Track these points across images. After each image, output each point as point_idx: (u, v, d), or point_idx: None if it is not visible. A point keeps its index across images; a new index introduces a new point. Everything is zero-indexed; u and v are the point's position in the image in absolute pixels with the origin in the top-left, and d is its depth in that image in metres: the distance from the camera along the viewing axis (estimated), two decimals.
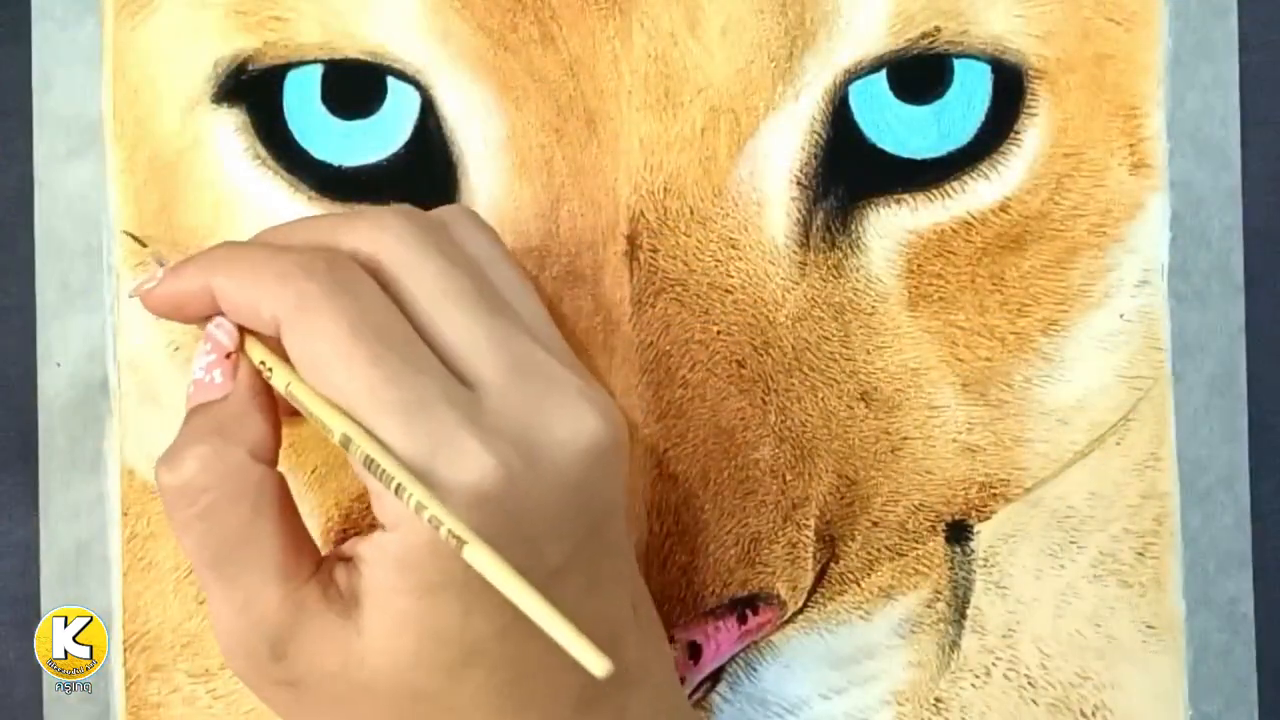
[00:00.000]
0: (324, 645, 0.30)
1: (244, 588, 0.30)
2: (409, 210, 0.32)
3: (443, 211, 0.33)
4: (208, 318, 0.32)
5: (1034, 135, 0.39)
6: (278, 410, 0.32)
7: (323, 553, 0.31)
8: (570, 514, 0.30)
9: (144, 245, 0.36)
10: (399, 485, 0.28)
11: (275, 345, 0.31)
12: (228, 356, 0.31)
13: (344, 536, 0.38)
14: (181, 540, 0.30)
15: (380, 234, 0.31)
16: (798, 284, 0.38)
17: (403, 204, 0.33)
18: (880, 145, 0.38)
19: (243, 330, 0.31)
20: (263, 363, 0.31)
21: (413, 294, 0.30)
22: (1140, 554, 0.39)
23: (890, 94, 0.38)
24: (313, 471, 0.39)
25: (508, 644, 0.30)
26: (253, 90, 0.38)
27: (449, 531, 0.27)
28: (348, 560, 0.30)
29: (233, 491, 0.30)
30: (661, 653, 0.34)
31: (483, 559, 0.27)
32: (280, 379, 0.30)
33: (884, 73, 0.38)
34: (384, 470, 0.28)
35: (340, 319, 0.29)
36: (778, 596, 0.38)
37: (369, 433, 0.28)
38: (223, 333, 0.31)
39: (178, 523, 0.30)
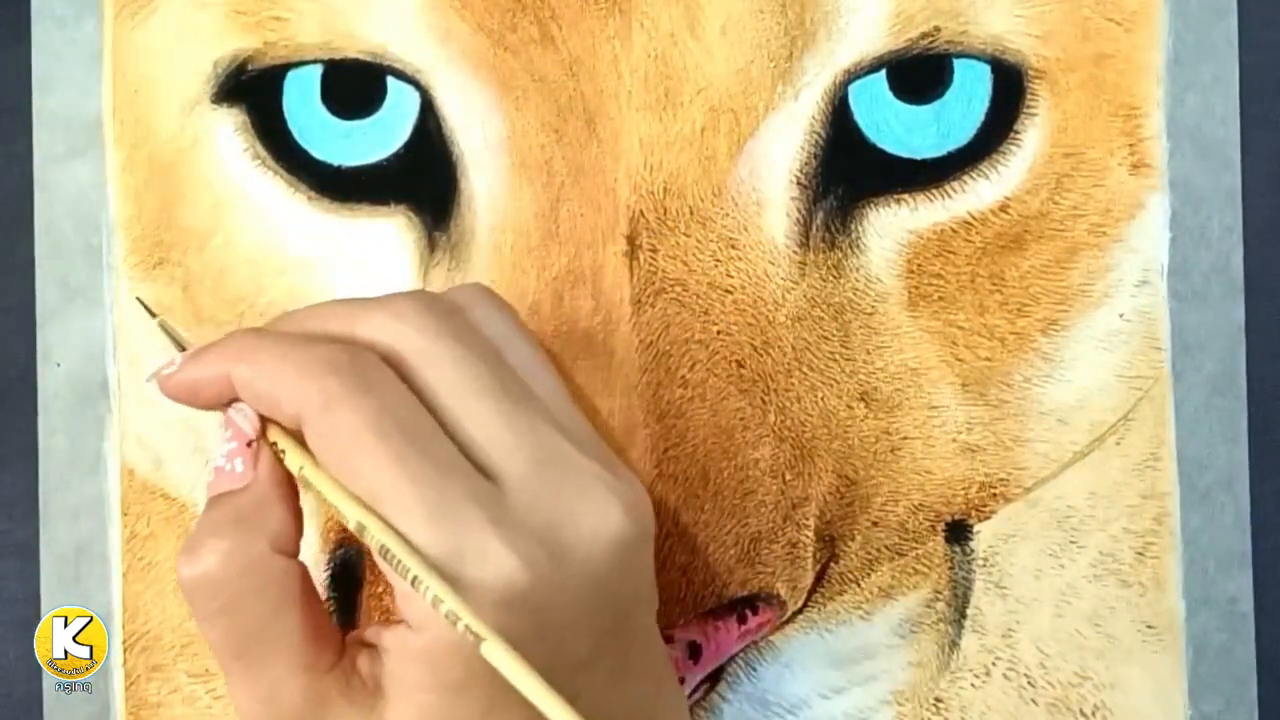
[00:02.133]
0: None
1: (267, 680, 0.30)
2: (426, 297, 0.32)
3: (458, 293, 0.33)
4: (227, 403, 0.31)
5: (1034, 135, 0.39)
6: (298, 499, 0.31)
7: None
8: (596, 607, 0.30)
9: (153, 315, 0.36)
10: (415, 578, 0.28)
11: (295, 430, 0.30)
12: (249, 445, 0.31)
13: (342, 538, 0.38)
14: (204, 631, 0.30)
15: (398, 324, 0.31)
16: (797, 284, 0.38)
17: (416, 289, 0.32)
18: (880, 145, 0.38)
19: (262, 416, 0.31)
20: (275, 444, 0.31)
21: (433, 386, 0.30)
22: (1140, 554, 0.39)
23: (890, 94, 0.38)
24: None
25: None
26: (252, 90, 0.38)
27: (466, 627, 0.27)
28: (371, 647, 0.30)
29: (255, 585, 0.29)
30: None
31: (500, 657, 0.27)
32: (294, 461, 0.30)
33: (884, 73, 0.38)
34: (400, 562, 0.28)
35: (364, 416, 0.29)
36: (778, 596, 0.38)
37: (389, 525, 0.28)
38: (243, 419, 0.31)
39: (199, 615, 0.30)
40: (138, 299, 0.38)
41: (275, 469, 0.31)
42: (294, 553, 0.31)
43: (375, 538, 0.28)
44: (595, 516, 0.30)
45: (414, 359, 0.30)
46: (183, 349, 0.33)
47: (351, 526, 0.29)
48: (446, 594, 0.27)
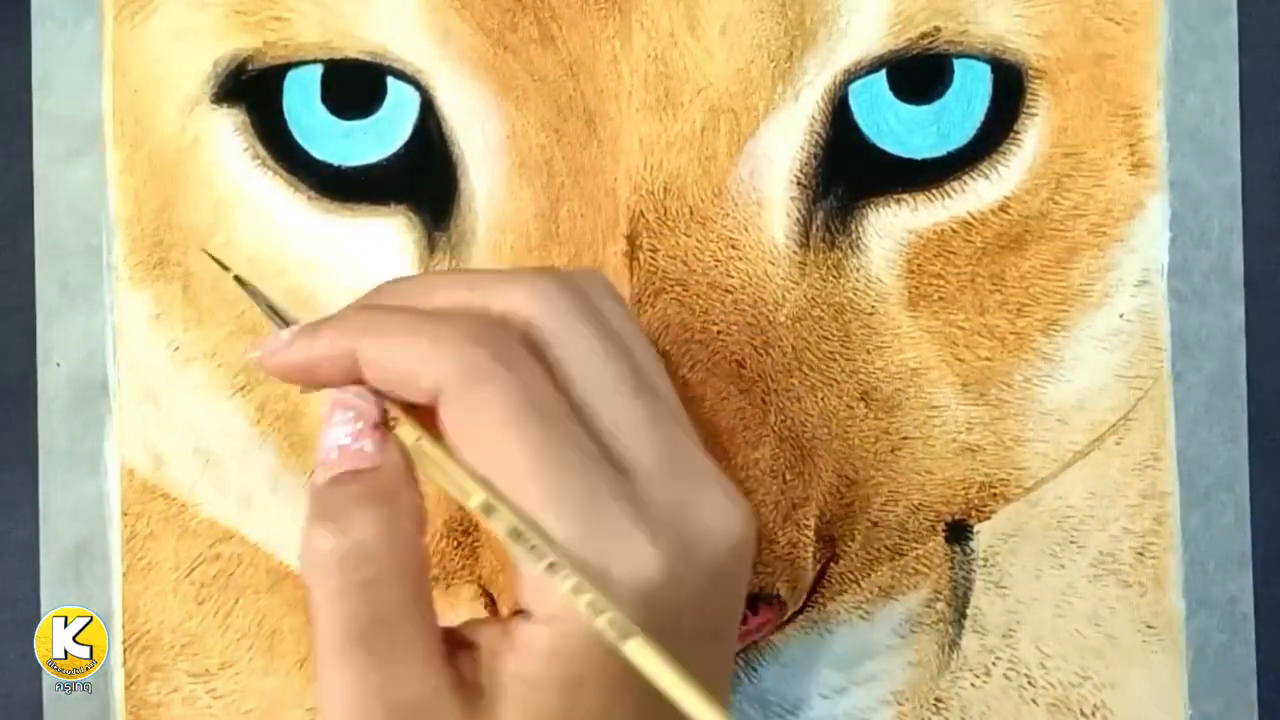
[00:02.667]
0: None
1: (387, 668, 0.28)
2: (562, 276, 0.31)
3: (579, 278, 0.32)
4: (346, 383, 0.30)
5: (1034, 135, 0.39)
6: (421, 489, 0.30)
7: None
8: (711, 608, 0.30)
9: (226, 268, 0.34)
10: (553, 564, 0.27)
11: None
12: (375, 426, 0.29)
13: None
14: (327, 610, 0.28)
15: (536, 300, 0.29)
16: (798, 284, 0.38)
17: (546, 267, 0.31)
18: (880, 145, 0.38)
19: (381, 397, 0.29)
20: (386, 413, 0.29)
21: (569, 370, 0.29)
22: (1140, 554, 0.39)
23: (890, 94, 0.38)
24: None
25: None
26: (252, 90, 0.38)
27: (609, 621, 0.26)
28: (470, 646, 0.29)
29: (398, 565, 0.28)
30: None
31: (645, 653, 0.26)
32: (409, 433, 0.29)
33: (884, 73, 0.38)
34: (537, 549, 0.27)
35: (509, 393, 0.28)
36: (778, 596, 0.38)
37: (520, 513, 0.27)
38: (366, 403, 0.29)
39: (329, 590, 0.28)
40: (205, 251, 0.37)
41: (404, 454, 0.29)
42: (424, 539, 0.29)
43: (508, 522, 0.27)
44: (719, 517, 0.29)
45: (550, 338, 0.29)
46: (270, 307, 0.32)
47: (472, 507, 0.28)
48: (588, 586, 0.26)
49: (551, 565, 0.27)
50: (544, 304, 0.29)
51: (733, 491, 0.30)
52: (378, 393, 0.29)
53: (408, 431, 0.29)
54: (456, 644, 0.29)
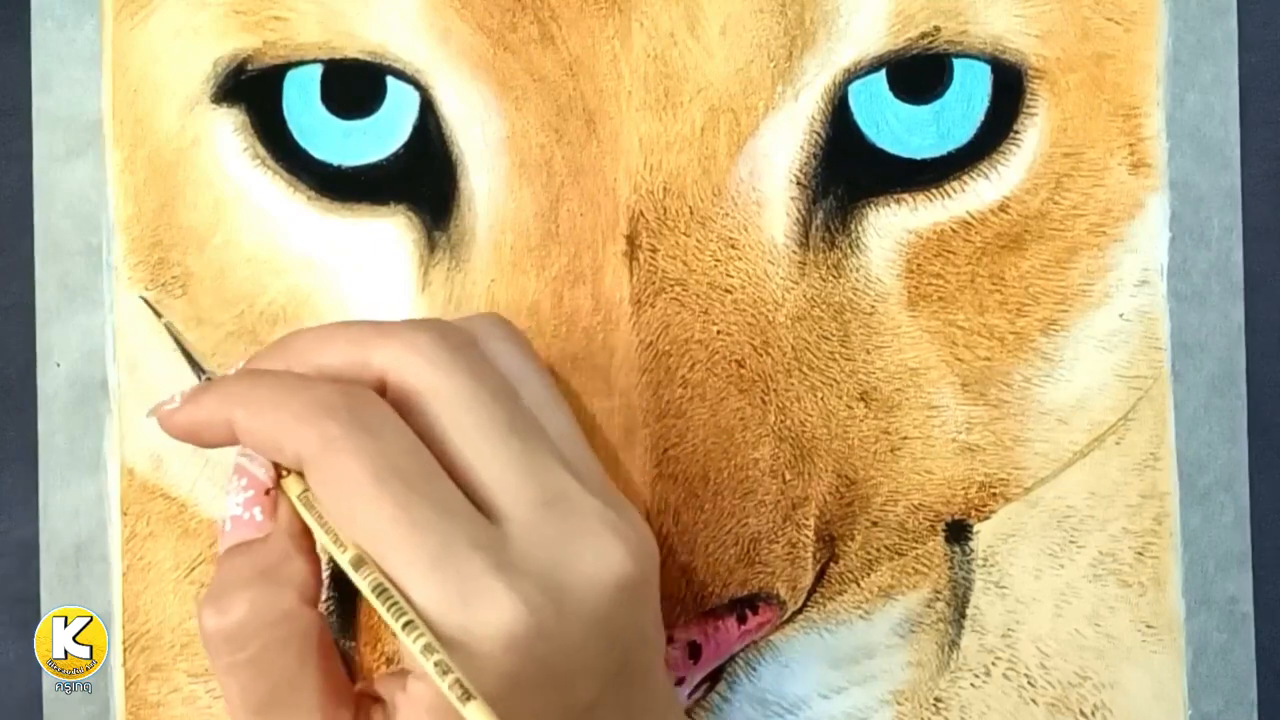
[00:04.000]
0: None
1: None
2: (441, 328, 0.31)
3: (473, 323, 0.33)
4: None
5: (1033, 135, 0.39)
6: (316, 550, 0.31)
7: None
8: (600, 649, 0.30)
9: (159, 315, 0.36)
10: (408, 623, 0.27)
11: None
12: (266, 493, 0.30)
13: None
14: (225, 684, 0.29)
15: (412, 356, 0.30)
16: (797, 284, 0.38)
17: (432, 318, 0.32)
18: (880, 145, 0.38)
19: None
20: (276, 465, 0.30)
21: (442, 423, 0.30)
22: (1140, 553, 0.39)
23: (890, 94, 0.38)
24: None
25: None
26: (252, 90, 0.38)
27: (454, 681, 0.27)
28: (380, 701, 0.30)
29: (282, 637, 0.29)
30: None
31: (481, 717, 0.26)
32: (294, 487, 0.30)
33: (883, 72, 0.38)
34: (396, 608, 0.27)
35: (363, 461, 0.28)
36: (777, 596, 0.38)
37: (383, 573, 0.28)
38: (258, 467, 0.31)
39: (221, 667, 0.29)
40: (142, 298, 0.38)
41: (294, 518, 0.30)
42: (316, 604, 0.30)
43: (371, 580, 0.28)
44: (598, 558, 0.30)
45: (426, 394, 0.30)
46: (189, 356, 0.33)
47: (346, 567, 0.28)
48: (438, 647, 0.27)
49: (407, 624, 0.27)
50: (418, 357, 0.30)
51: (623, 527, 0.30)
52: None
53: (293, 485, 0.30)
54: (372, 699, 0.30)
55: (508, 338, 0.33)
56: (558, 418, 0.32)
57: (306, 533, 0.30)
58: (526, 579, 0.28)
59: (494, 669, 0.27)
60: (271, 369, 0.31)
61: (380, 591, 0.28)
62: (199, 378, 0.32)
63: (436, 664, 0.27)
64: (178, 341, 0.34)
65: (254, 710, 0.29)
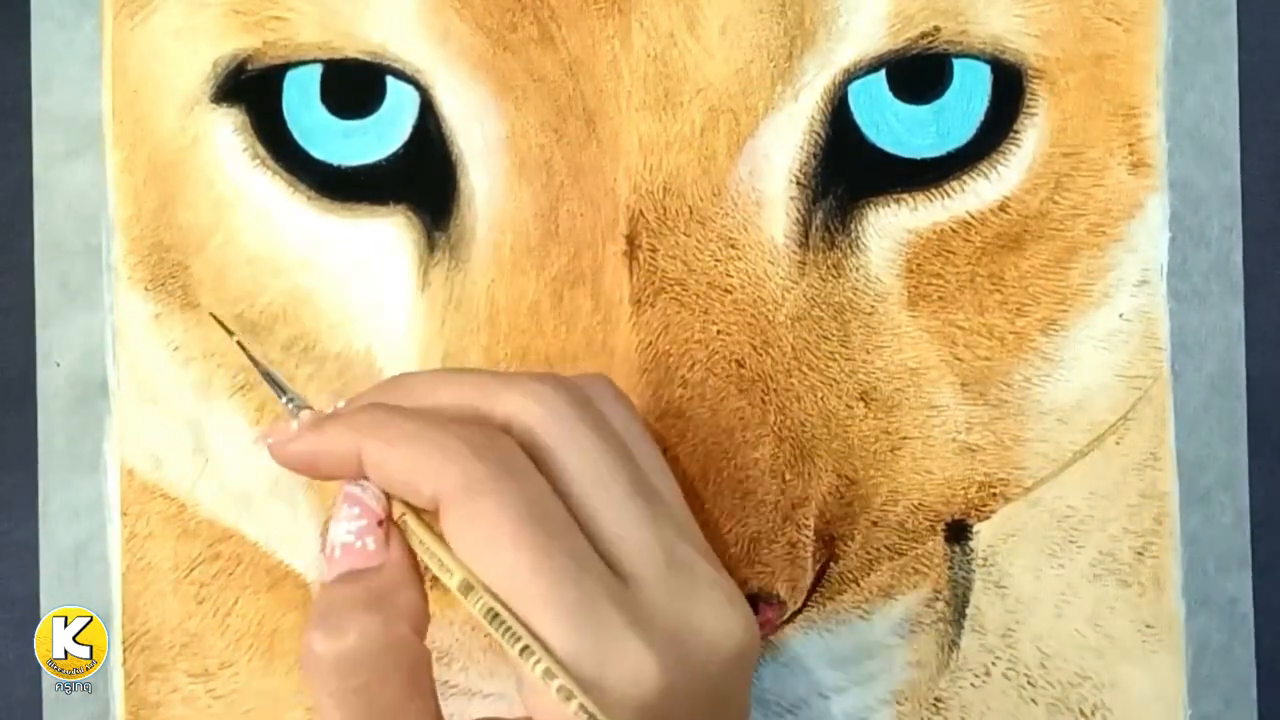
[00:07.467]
0: None
1: None
2: (562, 381, 0.31)
3: (584, 382, 0.32)
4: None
5: (1033, 135, 0.39)
6: (424, 581, 0.30)
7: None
8: (714, 715, 0.30)
9: (230, 333, 0.35)
10: (547, 670, 0.27)
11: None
12: (379, 523, 0.30)
13: None
14: (326, 711, 0.29)
15: (536, 406, 0.30)
16: (797, 283, 0.38)
17: (548, 373, 0.32)
18: (879, 145, 0.38)
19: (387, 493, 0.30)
20: (402, 521, 0.30)
21: (569, 475, 0.30)
22: (1139, 554, 0.39)
23: (889, 94, 0.38)
24: None
25: None
26: (252, 90, 0.38)
27: (579, 706, 0.27)
28: None
29: (393, 666, 0.29)
30: None
31: None
32: (416, 539, 0.30)
33: (883, 72, 0.38)
34: (533, 655, 0.27)
35: (507, 506, 0.28)
36: (778, 596, 0.38)
37: (520, 619, 0.28)
38: (371, 498, 0.30)
39: (328, 692, 0.28)
40: (212, 315, 0.38)
41: (406, 549, 0.30)
42: (424, 635, 0.30)
43: (509, 628, 0.28)
44: (720, 626, 0.30)
45: (550, 444, 0.30)
46: (269, 377, 0.32)
47: (475, 612, 0.28)
48: (578, 691, 0.27)
49: (524, 650, 0.27)
50: (545, 409, 0.30)
51: (735, 596, 0.30)
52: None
53: (409, 517, 0.30)
54: None
55: (619, 399, 0.33)
56: (668, 483, 0.32)
57: (418, 563, 0.30)
58: (659, 638, 0.28)
59: None
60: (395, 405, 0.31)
61: (493, 617, 0.28)
62: (280, 399, 0.32)
63: (559, 689, 0.27)
64: (254, 361, 0.33)
65: None
